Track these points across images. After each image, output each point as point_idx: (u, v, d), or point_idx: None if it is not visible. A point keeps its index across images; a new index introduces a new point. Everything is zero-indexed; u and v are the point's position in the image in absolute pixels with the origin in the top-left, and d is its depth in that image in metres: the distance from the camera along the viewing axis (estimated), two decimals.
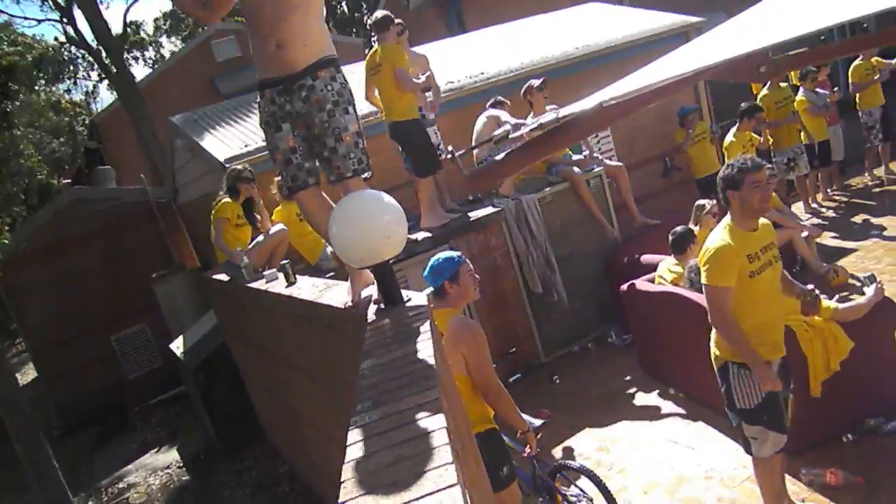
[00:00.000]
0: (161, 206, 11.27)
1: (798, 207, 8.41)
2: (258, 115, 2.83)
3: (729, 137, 7.37)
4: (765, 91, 8.11)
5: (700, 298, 4.51)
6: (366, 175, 2.71)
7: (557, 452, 4.90)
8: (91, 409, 10.91)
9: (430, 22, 15.17)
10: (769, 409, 3.21)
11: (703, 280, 3.20)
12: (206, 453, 8.15)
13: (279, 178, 4.48)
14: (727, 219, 3.26)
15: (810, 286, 3.67)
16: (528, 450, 3.51)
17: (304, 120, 2.66)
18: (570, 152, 7.05)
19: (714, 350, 3.37)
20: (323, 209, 2.76)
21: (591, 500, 3.77)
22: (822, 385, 3.91)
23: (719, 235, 3.21)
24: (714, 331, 3.34)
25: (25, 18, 26.70)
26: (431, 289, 3.33)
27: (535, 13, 10.56)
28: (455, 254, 3.38)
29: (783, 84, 8.03)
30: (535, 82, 6.45)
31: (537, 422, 3.66)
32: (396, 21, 5.75)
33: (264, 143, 3.20)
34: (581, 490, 3.82)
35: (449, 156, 2.90)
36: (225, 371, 7.27)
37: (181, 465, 8.35)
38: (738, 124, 7.34)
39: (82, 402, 10.93)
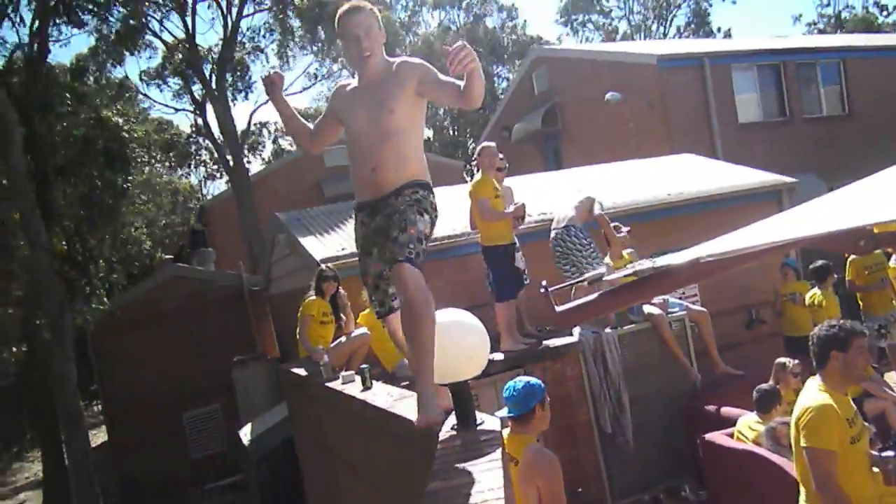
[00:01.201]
0: (252, 294, 11.77)
1: (890, 377, 7.97)
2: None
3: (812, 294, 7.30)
4: (854, 255, 7.93)
5: (783, 462, 4.32)
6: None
7: None
8: (152, 483, 11.05)
9: (528, 155, 15.77)
10: None
11: (806, 443, 2.97)
12: None
13: None
14: (817, 380, 3.13)
15: (890, 453, 3.45)
16: None
17: (383, 234, 2.70)
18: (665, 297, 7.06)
19: None
20: None
21: None
22: None
23: (816, 395, 3.03)
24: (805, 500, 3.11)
25: (165, 105, 29.19)
26: (508, 413, 3.33)
27: (630, 157, 10.80)
28: (536, 379, 3.40)
29: (876, 250, 7.82)
30: (623, 229, 6.58)
31: None
32: (500, 156, 6.06)
33: None
34: None
35: (541, 290, 2.99)
36: (288, 465, 7.31)
37: None
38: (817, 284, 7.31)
39: (145, 475, 11.10)
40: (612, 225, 6.61)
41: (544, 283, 2.87)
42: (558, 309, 2.74)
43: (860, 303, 7.72)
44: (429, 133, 30.96)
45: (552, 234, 6.44)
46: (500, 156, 6.11)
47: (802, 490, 3.16)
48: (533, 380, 3.39)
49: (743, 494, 4.84)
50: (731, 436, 5.22)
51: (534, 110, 15.76)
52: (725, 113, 12.36)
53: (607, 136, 13.36)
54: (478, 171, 6.03)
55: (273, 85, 2.88)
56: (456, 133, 33.02)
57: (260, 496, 7.71)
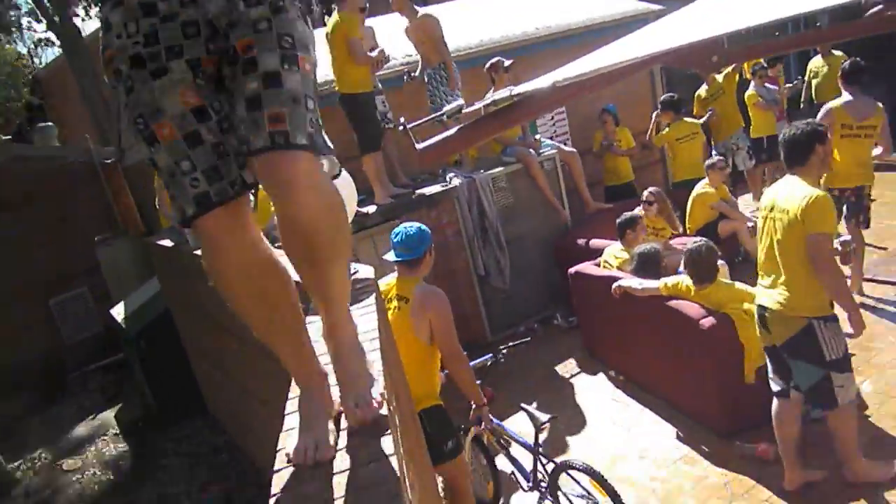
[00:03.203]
0: (106, 168, 10.90)
1: (745, 199, 8.61)
2: None
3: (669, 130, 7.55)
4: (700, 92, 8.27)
5: (646, 284, 4.60)
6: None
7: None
8: (27, 374, 10.57)
9: None
10: (849, 354, 3.35)
11: (815, 229, 3.17)
12: (144, 421, 7.99)
13: None
14: (796, 178, 3.34)
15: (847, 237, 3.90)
16: (481, 426, 3.53)
17: (220, 36, 1.36)
18: (536, 136, 7.08)
19: (792, 313, 3.32)
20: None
21: (598, 502, 3.58)
22: (755, 372, 4.04)
23: (812, 188, 3.25)
24: (789, 294, 3.32)
25: None
26: (398, 257, 3.36)
27: None
28: (424, 226, 3.41)
29: (718, 77, 8.14)
30: (506, 62, 6.42)
31: (544, 416, 3.70)
32: None
33: None
34: (586, 491, 3.63)
35: (400, 127, 2.85)
36: (166, 339, 7.13)
37: (118, 432, 8.17)
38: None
39: (18, 366, 10.58)
40: (495, 59, 6.44)
41: (402, 119, 2.72)
42: (418, 146, 2.61)
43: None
44: None
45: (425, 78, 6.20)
46: None
47: (786, 273, 3.33)
48: (423, 226, 3.40)
49: (606, 317, 5.16)
50: (599, 265, 5.50)
51: None
52: None
53: None
54: (336, 9, 5.56)
55: None
56: None
57: (143, 372, 7.54)
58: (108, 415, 8.80)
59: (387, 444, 1.36)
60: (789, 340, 3.36)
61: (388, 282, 3.42)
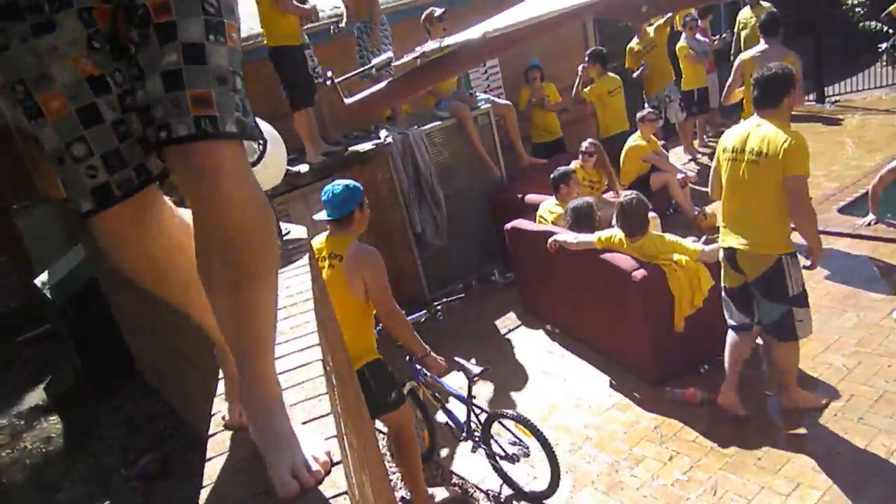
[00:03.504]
0: (21, 130, 10.30)
1: (676, 152, 8.78)
2: None
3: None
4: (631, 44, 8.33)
5: (581, 238, 4.66)
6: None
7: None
8: None
9: None
10: (806, 290, 3.54)
11: (795, 172, 3.29)
12: (75, 392, 7.75)
13: None
14: (766, 122, 3.40)
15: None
16: (419, 381, 3.59)
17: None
18: (472, 91, 6.99)
19: (763, 251, 3.47)
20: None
21: (528, 448, 3.67)
22: (685, 321, 4.17)
23: (787, 132, 3.32)
24: (761, 232, 3.46)
25: None
26: (328, 216, 3.34)
27: None
28: (354, 182, 3.38)
29: (650, 29, 8.20)
30: (437, 11, 6.27)
31: (476, 369, 3.75)
32: None
33: None
34: (517, 438, 3.71)
35: (328, 82, 2.77)
36: (95, 307, 6.90)
37: (49, 405, 7.91)
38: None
39: None
40: (429, 9, 6.31)
41: (329, 73, 2.63)
42: (347, 101, 2.53)
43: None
44: None
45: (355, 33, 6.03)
46: None
47: (759, 213, 3.46)
48: (352, 183, 3.37)
49: (542, 271, 5.22)
50: (535, 220, 5.53)
51: None
52: None
53: None
54: None
55: None
56: None
57: (73, 342, 7.28)
58: (38, 387, 8.51)
59: (323, 405, 1.33)
60: (760, 277, 3.50)
61: (321, 240, 3.38)
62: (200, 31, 1.06)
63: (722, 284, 3.81)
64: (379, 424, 3.94)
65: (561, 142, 7.65)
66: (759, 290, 3.56)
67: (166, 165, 1.11)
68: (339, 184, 3.34)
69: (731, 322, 3.82)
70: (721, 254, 3.72)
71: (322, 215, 3.37)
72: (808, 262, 3.55)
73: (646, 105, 8.06)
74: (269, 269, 1.18)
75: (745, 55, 5.62)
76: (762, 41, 5.57)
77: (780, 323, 3.55)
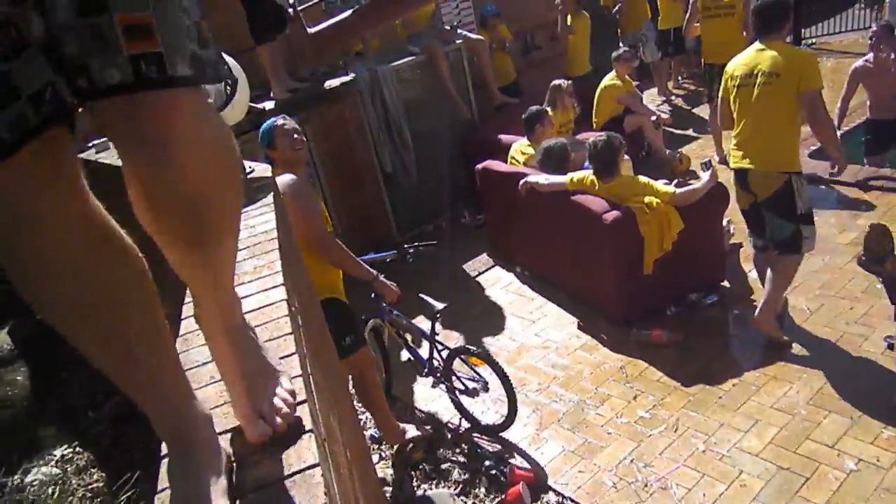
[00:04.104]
0: None
1: (651, 93, 8.69)
2: None
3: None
4: None
5: (553, 179, 4.61)
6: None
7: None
8: None
9: None
10: (812, 209, 3.75)
11: (813, 85, 3.48)
12: (39, 336, 7.62)
13: None
14: (767, 45, 3.60)
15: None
16: (386, 298, 3.50)
17: None
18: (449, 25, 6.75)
19: (775, 170, 3.64)
20: None
21: (487, 383, 3.71)
22: (653, 263, 4.18)
23: (799, 50, 3.67)
24: (774, 152, 3.64)
25: None
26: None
27: None
28: (275, 119, 3.24)
29: None
30: None
31: (440, 305, 3.73)
32: None
33: None
34: (477, 373, 3.76)
35: (290, 10, 2.61)
36: None
37: (13, 348, 7.78)
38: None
39: None
40: None
41: (292, 1, 2.48)
42: (311, 30, 2.39)
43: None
44: None
45: None
46: None
47: (773, 134, 3.63)
48: (272, 121, 3.22)
49: (515, 213, 5.17)
50: (507, 161, 5.45)
51: None
52: None
53: None
54: None
55: None
56: None
57: None
58: (2, 332, 8.35)
59: (288, 345, 1.30)
60: (772, 196, 3.67)
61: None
62: None
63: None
64: None
65: (517, 84, 7.44)
66: (770, 209, 3.73)
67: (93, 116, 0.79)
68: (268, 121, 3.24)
69: (753, 244, 4.06)
70: (732, 176, 3.86)
71: None
72: (835, 170, 3.94)
73: (620, 44, 7.91)
74: (232, 223, 1.01)
75: None
76: None
77: (789, 240, 3.74)
